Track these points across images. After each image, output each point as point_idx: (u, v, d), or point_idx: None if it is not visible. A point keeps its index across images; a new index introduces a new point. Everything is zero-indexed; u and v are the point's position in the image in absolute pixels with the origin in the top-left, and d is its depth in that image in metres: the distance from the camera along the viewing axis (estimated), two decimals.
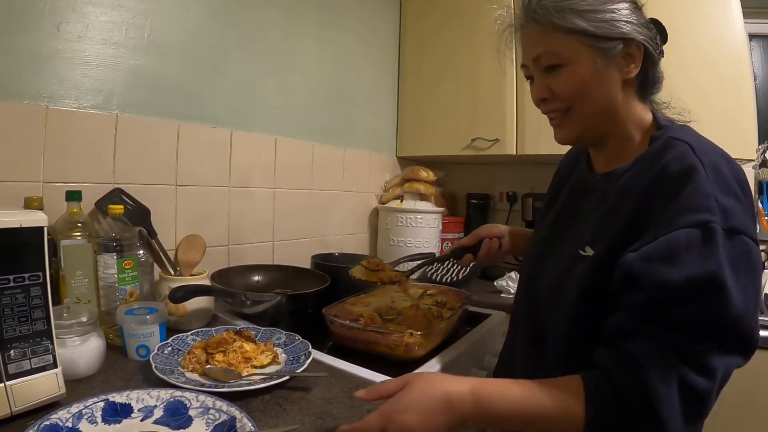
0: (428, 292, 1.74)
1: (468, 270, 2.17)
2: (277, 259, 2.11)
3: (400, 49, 2.80)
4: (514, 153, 2.28)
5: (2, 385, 0.87)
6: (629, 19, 0.92)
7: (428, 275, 2.20)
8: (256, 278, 1.85)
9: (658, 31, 0.98)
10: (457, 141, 2.45)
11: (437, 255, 2.28)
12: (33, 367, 0.91)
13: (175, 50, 1.72)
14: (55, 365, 0.95)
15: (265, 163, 2.07)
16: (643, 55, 0.95)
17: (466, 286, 2.03)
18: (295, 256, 2.15)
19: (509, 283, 2.04)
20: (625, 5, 0.93)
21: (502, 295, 2.03)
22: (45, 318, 0.93)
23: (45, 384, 0.93)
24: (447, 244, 2.57)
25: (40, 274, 0.92)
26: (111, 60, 1.55)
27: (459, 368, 1.37)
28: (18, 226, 0.88)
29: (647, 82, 1.00)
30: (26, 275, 0.89)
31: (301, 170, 2.24)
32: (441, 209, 2.52)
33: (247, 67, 1.97)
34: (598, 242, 0.92)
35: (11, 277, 0.87)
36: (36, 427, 0.82)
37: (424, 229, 2.42)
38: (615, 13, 0.92)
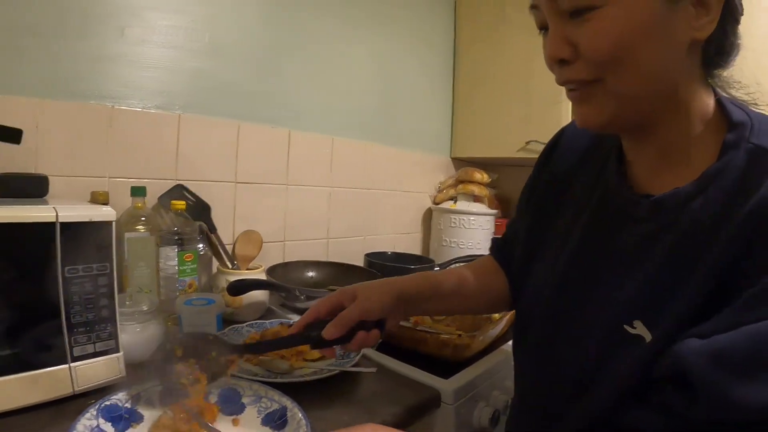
0: None
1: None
2: (331, 256, 2.16)
3: (455, 48, 2.79)
4: None
5: (67, 366, 0.93)
6: None
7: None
8: (310, 274, 1.90)
9: None
10: (511, 143, 2.40)
11: None
12: (96, 350, 0.97)
13: (234, 53, 1.78)
14: (117, 350, 1.00)
15: (322, 163, 2.11)
16: (722, 7, 0.62)
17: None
18: (348, 254, 2.19)
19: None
20: None
21: None
22: (110, 306, 0.98)
23: (107, 367, 0.99)
24: None
25: (108, 265, 0.97)
26: (173, 62, 1.62)
27: (505, 372, 1.36)
28: (88, 220, 0.93)
29: (721, 48, 0.67)
30: (94, 266, 0.95)
31: (357, 170, 2.27)
32: (494, 211, 2.52)
33: (303, 68, 2.01)
34: (658, 317, 0.64)
35: (80, 267, 0.93)
36: (97, 407, 0.87)
37: (476, 230, 2.43)
38: None
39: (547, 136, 2.24)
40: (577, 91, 0.68)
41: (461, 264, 2.06)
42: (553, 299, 0.82)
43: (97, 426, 0.84)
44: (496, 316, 1.49)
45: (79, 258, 0.93)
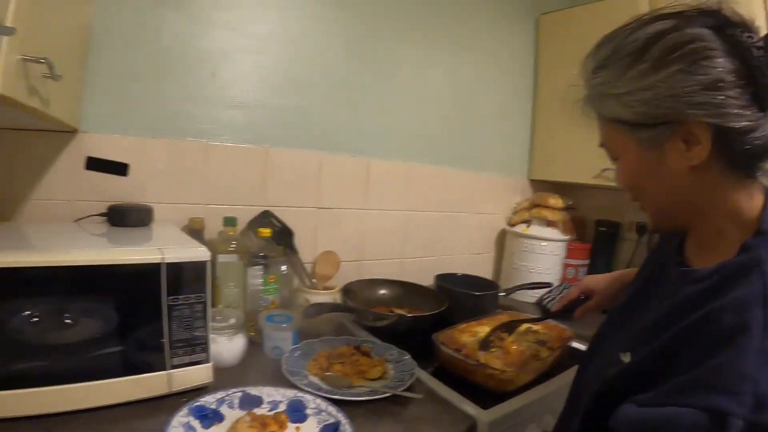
0: (533, 328, 1.75)
1: (583, 297, 2.20)
2: (405, 274, 2.28)
3: (535, 71, 2.80)
4: None
5: (166, 372, 1.16)
6: (676, 91, 0.69)
7: (542, 302, 2.25)
8: (382, 292, 2.04)
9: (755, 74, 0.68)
10: (587, 169, 2.40)
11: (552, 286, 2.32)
12: (190, 361, 1.19)
13: (316, 88, 1.95)
14: (207, 360, 1.22)
15: (399, 188, 2.25)
16: (713, 132, 0.70)
17: (572, 321, 2.05)
18: (422, 272, 2.31)
19: None
20: (672, 70, 0.70)
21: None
22: (204, 326, 1.20)
23: (198, 373, 1.21)
24: (570, 270, 2.57)
25: (203, 295, 1.18)
26: (259, 100, 1.82)
27: (547, 405, 1.43)
28: (187, 260, 1.15)
29: (740, 156, 0.72)
30: (192, 296, 1.17)
31: (433, 194, 2.39)
32: (566, 237, 2.53)
33: (381, 98, 2.15)
34: (636, 355, 0.78)
35: (181, 296, 1.15)
36: (188, 407, 1.10)
37: (547, 256, 2.47)
38: (656, 88, 0.71)
39: None
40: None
41: (527, 288, 2.15)
42: (609, 319, 1.03)
43: (188, 422, 1.06)
44: (544, 353, 1.57)
45: (180, 289, 1.15)
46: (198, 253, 1.18)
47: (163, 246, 1.15)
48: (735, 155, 0.72)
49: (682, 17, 0.72)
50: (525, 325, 1.73)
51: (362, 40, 2.06)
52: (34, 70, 0.90)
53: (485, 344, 1.52)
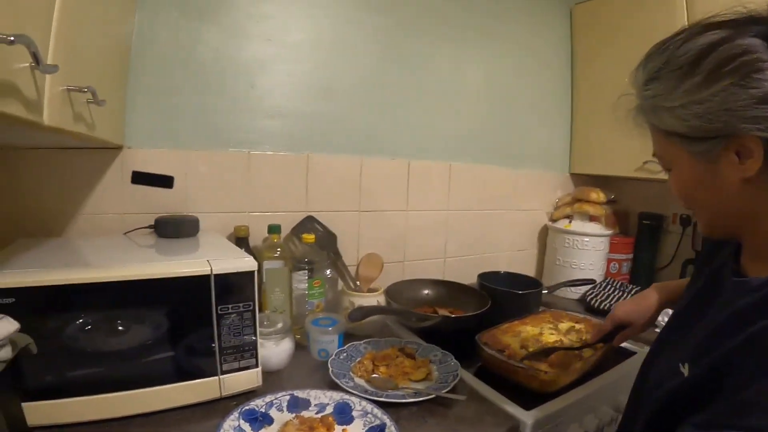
0: (576, 327, 1.76)
1: (627, 297, 2.19)
2: (447, 273, 2.32)
3: (572, 63, 2.77)
4: None
5: (217, 377, 1.21)
6: (730, 105, 0.68)
7: (587, 299, 2.26)
8: (426, 292, 2.07)
9: None
10: (629, 162, 2.35)
11: (595, 283, 2.33)
12: (240, 366, 1.24)
13: (353, 93, 1.98)
14: (256, 365, 1.27)
15: (439, 188, 2.27)
16: (765, 144, 0.69)
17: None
18: (464, 271, 2.33)
19: (664, 319, 1.96)
20: (725, 83, 0.68)
21: (656, 329, 1.92)
22: (253, 333, 1.24)
23: (247, 378, 1.26)
24: (614, 265, 2.54)
25: (251, 303, 1.23)
26: (299, 108, 1.85)
27: (589, 406, 1.44)
28: (235, 271, 1.20)
29: None
30: (241, 305, 1.21)
31: (473, 192, 2.40)
32: (609, 232, 2.50)
33: (419, 100, 2.16)
34: (694, 368, 0.78)
35: (230, 306, 1.20)
36: (239, 410, 1.15)
37: (589, 251, 2.44)
38: (709, 102, 0.70)
39: None
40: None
41: (570, 285, 2.14)
42: (668, 327, 1.02)
43: (238, 426, 1.11)
44: (588, 353, 1.54)
45: (229, 298, 1.19)
46: (245, 263, 1.22)
47: (212, 258, 1.20)
48: None
49: (733, 27, 0.71)
50: (569, 323, 1.76)
51: (396, 42, 2.07)
52: (78, 98, 0.94)
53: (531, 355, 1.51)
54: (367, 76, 2.01)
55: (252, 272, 1.22)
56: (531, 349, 1.53)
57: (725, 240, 0.92)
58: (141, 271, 1.11)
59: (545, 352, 1.50)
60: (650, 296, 1.32)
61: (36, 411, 1.01)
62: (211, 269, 1.16)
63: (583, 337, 1.66)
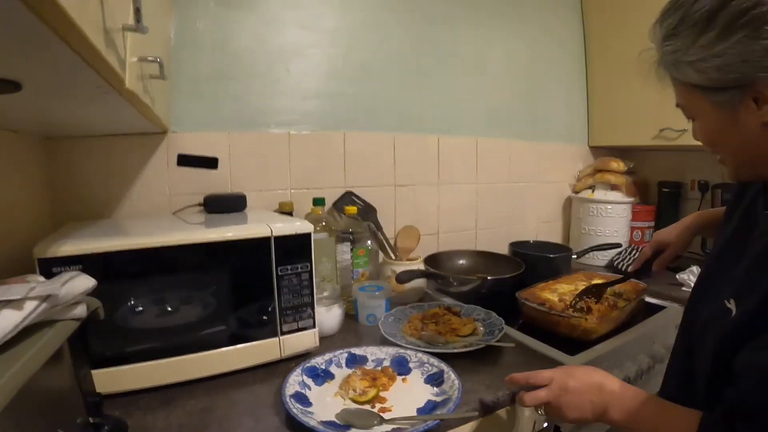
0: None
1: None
2: (479, 245, 2.40)
3: (585, 40, 2.82)
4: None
5: (277, 338, 1.27)
6: (746, 56, 0.74)
7: (614, 264, 2.31)
8: (461, 262, 2.13)
9: None
10: (646, 131, 2.42)
11: (622, 247, 2.37)
12: (299, 327, 1.31)
13: (384, 74, 2.05)
14: (314, 326, 1.34)
15: (468, 162, 2.34)
16: None
17: (649, 277, 2.11)
18: (495, 242, 2.40)
19: (690, 277, 2.04)
20: (739, 36, 0.73)
21: (683, 288, 2.01)
22: (310, 294, 1.32)
23: (306, 339, 1.33)
24: (637, 233, 2.59)
25: (308, 264, 1.30)
26: (333, 89, 1.93)
27: (626, 353, 1.51)
28: (293, 233, 1.27)
29: None
30: (299, 266, 1.28)
31: (500, 165, 2.47)
32: (631, 199, 2.55)
33: (446, 79, 2.24)
34: (742, 300, 0.82)
35: (289, 266, 1.27)
36: (301, 367, 1.21)
37: (614, 218, 2.49)
38: (726, 55, 0.75)
39: (680, 123, 2.29)
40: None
41: (598, 250, 2.20)
42: (708, 270, 1.06)
43: (302, 381, 1.17)
44: (621, 303, 1.63)
45: (288, 260, 1.26)
46: (302, 226, 1.29)
47: (269, 222, 1.26)
48: None
49: None
50: (602, 280, 1.81)
51: (424, 26, 2.15)
52: (147, 70, 0.99)
53: (574, 302, 1.58)
54: (398, 59, 2.09)
55: (309, 234, 1.29)
56: (569, 301, 1.59)
57: (752, 181, 0.99)
58: (205, 235, 1.17)
59: (596, 291, 1.59)
60: (686, 221, 1.40)
61: (101, 378, 1.01)
62: (271, 231, 1.23)
63: (617, 290, 1.72)
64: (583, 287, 1.65)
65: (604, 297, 1.63)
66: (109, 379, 1.06)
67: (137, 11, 0.69)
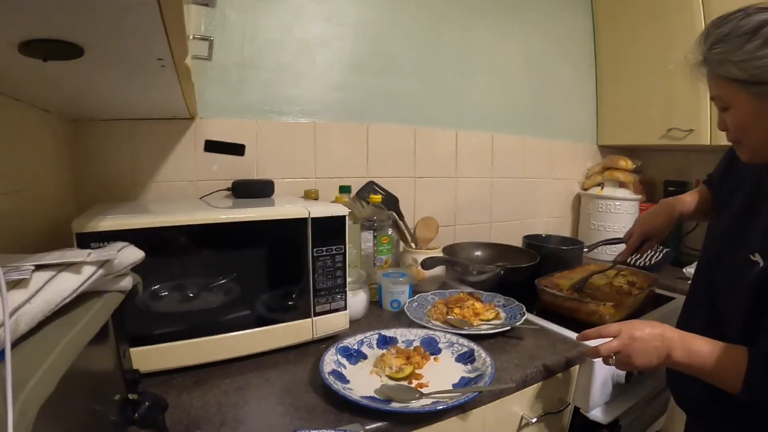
0: (622, 272, 1.92)
1: (660, 255, 2.31)
2: (493, 237, 2.45)
3: (595, 41, 2.89)
4: (709, 143, 2.26)
5: (310, 319, 1.30)
6: None
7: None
8: (477, 253, 2.19)
9: None
10: (653, 130, 2.49)
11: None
12: (331, 308, 1.34)
13: (405, 68, 2.10)
14: (345, 308, 1.37)
15: (484, 157, 2.40)
16: None
17: (657, 271, 2.16)
18: (508, 235, 2.47)
19: None
20: None
21: (689, 282, 2.04)
22: (342, 276, 1.35)
23: (337, 320, 1.36)
24: None
25: (342, 246, 1.34)
26: (357, 81, 1.97)
27: None
28: (330, 215, 1.30)
29: None
30: (333, 247, 1.32)
31: (514, 161, 2.52)
32: (638, 196, 2.61)
33: (463, 76, 2.29)
34: (767, 252, 1.01)
35: (324, 248, 1.30)
36: (335, 347, 1.25)
37: (622, 215, 2.55)
38: (765, 59, 0.96)
39: (687, 123, 2.37)
40: (734, 145, 1.13)
41: (608, 244, 2.26)
42: (722, 238, 1.21)
43: (337, 360, 1.21)
44: (635, 291, 1.72)
45: (323, 241, 1.30)
46: (338, 208, 1.32)
47: (306, 204, 1.30)
48: None
49: None
50: (615, 270, 1.90)
51: (444, 25, 2.21)
52: (194, 48, 1.00)
53: (580, 285, 1.68)
54: (418, 55, 2.14)
55: (344, 216, 1.32)
56: (588, 290, 1.69)
57: (756, 165, 1.15)
58: (246, 214, 1.20)
59: (585, 280, 1.72)
60: (669, 210, 1.55)
61: (137, 356, 0.98)
62: (309, 213, 1.26)
63: (630, 279, 1.84)
64: (599, 273, 1.79)
65: (616, 281, 1.77)
66: (141, 358, 1.04)
67: None
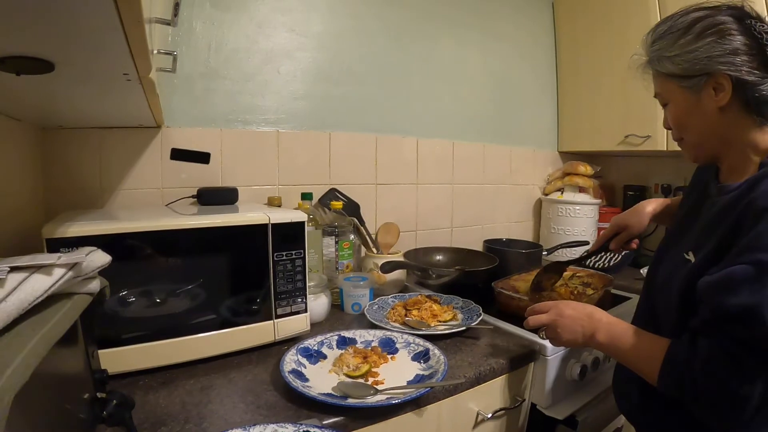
0: (577, 274, 1.97)
1: (620, 258, 2.38)
2: (454, 242, 2.50)
3: (556, 51, 2.98)
4: (665, 149, 2.32)
5: (272, 321, 1.35)
6: (710, 53, 0.99)
7: (583, 261, 2.43)
8: (438, 257, 2.23)
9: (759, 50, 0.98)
10: (612, 137, 2.57)
11: (590, 244, 2.48)
12: (292, 311, 1.39)
13: (367, 77, 2.15)
14: (305, 311, 1.42)
15: (445, 164, 2.45)
16: (732, 82, 0.98)
17: (616, 273, 2.24)
18: (469, 240, 2.54)
19: None
20: (708, 40, 0.99)
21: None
22: (302, 279, 1.40)
23: (298, 323, 1.41)
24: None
25: (302, 251, 1.38)
26: (320, 91, 2.02)
27: None
28: (289, 221, 1.35)
29: (752, 104, 1.00)
30: (293, 252, 1.37)
31: (474, 167, 2.58)
32: (598, 201, 2.69)
33: (425, 86, 2.35)
34: (698, 251, 1.02)
35: (284, 253, 1.35)
36: (296, 348, 1.30)
37: (581, 219, 2.63)
38: (696, 51, 1.00)
39: (644, 129, 2.46)
40: (679, 144, 1.17)
41: (567, 247, 2.33)
42: (667, 239, 1.26)
43: (297, 360, 1.26)
44: (590, 291, 1.77)
45: (283, 246, 1.34)
46: (297, 214, 1.37)
47: (267, 211, 1.34)
48: (749, 100, 1.00)
49: (715, 8, 1.02)
50: (570, 272, 1.95)
51: (406, 35, 2.27)
52: (156, 63, 1.01)
53: (536, 286, 1.71)
54: (381, 65, 2.19)
55: (303, 222, 1.37)
56: (540, 280, 1.73)
57: (707, 163, 1.19)
58: (209, 220, 1.24)
59: (555, 268, 1.74)
60: (644, 206, 1.61)
61: (106, 358, 1.00)
62: (269, 219, 1.31)
63: (585, 281, 1.88)
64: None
65: (571, 283, 1.81)
66: (110, 360, 1.06)
67: (176, 5, 0.76)
